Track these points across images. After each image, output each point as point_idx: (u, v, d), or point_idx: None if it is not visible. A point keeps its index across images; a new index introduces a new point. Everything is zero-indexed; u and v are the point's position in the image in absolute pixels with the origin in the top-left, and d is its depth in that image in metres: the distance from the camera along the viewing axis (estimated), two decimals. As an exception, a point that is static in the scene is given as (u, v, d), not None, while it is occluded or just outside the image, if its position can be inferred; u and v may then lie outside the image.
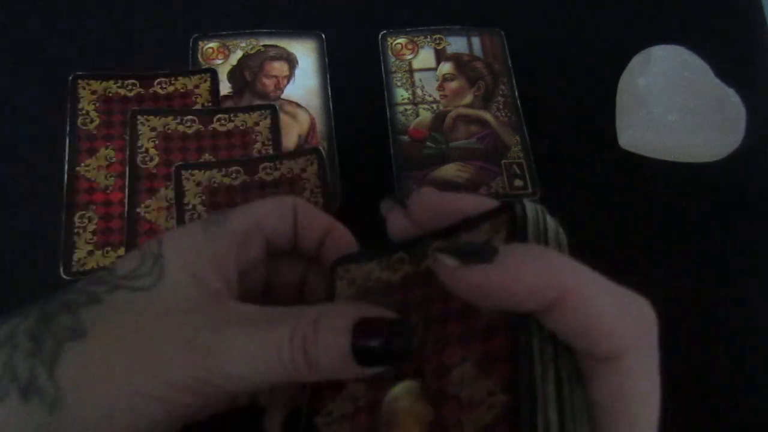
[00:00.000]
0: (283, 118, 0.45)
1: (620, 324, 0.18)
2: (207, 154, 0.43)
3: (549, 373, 0.18)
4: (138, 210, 0.41)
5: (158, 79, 0.45)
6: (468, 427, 0.18)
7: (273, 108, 0.45)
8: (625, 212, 0.44)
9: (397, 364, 0.21)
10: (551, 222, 0.21)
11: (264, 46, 0.48)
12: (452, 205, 0.23)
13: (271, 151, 0.43)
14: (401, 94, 0.47)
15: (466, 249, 0.19)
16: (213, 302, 0.24)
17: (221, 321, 0.23)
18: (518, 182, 0.44)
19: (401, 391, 0.21)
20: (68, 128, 0.43)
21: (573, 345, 0.18)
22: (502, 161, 0.45)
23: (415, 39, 0.49)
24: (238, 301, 0.25)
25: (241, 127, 0.44)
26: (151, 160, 0.42)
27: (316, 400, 0.23)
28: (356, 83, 0.48)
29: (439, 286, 0.20)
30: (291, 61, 0.48)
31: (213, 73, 0.46)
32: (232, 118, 0.44)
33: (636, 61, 0.48)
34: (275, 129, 0.44)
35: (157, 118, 0.43)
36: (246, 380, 0.22)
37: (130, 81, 0.45)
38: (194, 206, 0.40)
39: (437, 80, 0.48)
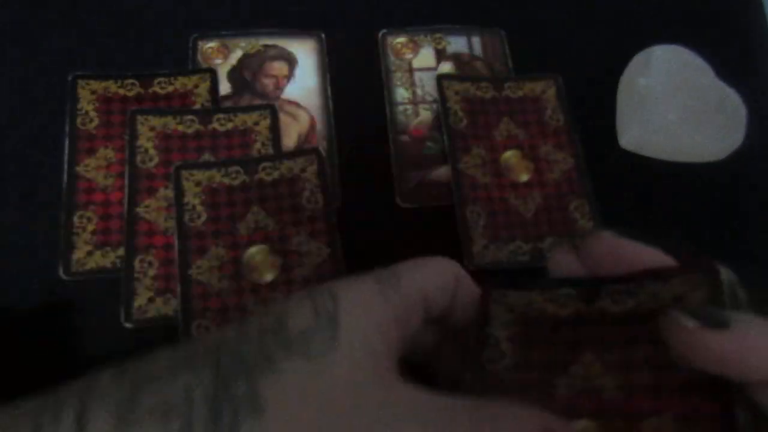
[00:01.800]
0: (283, 118, 0.45)
1: None
2: (206, 154, 0.43)
3: None
4: (137, 210, 0.41)
5: (158, 79, 0.45)
6: None
7: (273, 108, 0.45)
8: (625, 212, 0.44)
9: None
10: (743, 293, 0.22)
11: (264, 45, 0.48)
12: (635, 254, 0.24)
13: (270, 151, 0.43)
14: (401, 93, 0.47)
15: (706, 313, 0.20)
16: (386, 383, 0.23)
17: (396, 409, 0.22)
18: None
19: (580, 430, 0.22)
20: (67, 128, 0.43)
21: None
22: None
23: (416, 38, 0.49)
24: (401, 378, 0.23)
25: (240, 127, 0.44)
26: (151, 160, 0.42)
27: None
28: (356, 83, 0.48)
29: (623, 332, 0.21)
30: (291, 61, 0.48)
31: (213, 73, 0.46)
32: (232, 118, 0.44)
33: (636, 61, 0.48)
34: (275, 129, 0.44)
35: (157, 117, 0.43)
36: None
37: (130, 81, 0.45)
38: (194, 206, 0.40)
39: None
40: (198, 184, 0.41)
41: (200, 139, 0.43)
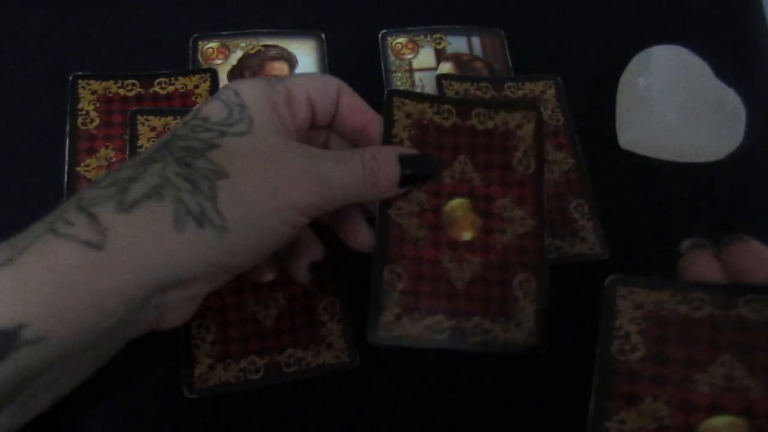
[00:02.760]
0: (283, 118, 0.45)
1: None
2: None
3: None
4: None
5: (158, 79, 0.45)
6: None
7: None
8: (624, 212, 0.44)
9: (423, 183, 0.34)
10: None
11: (264, 46, 0.48)
12: None
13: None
14: (401, 94, 0.47)
15: None
16: (296, 143, 0.31)
17: (315, 156, 0.30)
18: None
19: (724, 424, 0.23)
20: (68, 128, 0.43)
21: None
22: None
23: (416, 38, 0.49)
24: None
25: None
26: None
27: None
28: (356, 83, 0.47)
29: (764, 337, 0.23)
30: (291, 61, 0.48)
31: (213, 73, 0.46)
32: (232, 118, 0.44)
33: (636, 61, 0.48)
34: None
35: (157, 118, 0.43)
36: (341, 200, 0.31)
37: (130, 81, 0.45)
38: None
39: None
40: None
41: (200, 139, 0.43)
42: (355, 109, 0.35)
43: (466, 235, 0.36)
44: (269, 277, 0.39)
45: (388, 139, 0.35)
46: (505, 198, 0.37)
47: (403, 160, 0.33)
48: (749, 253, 0.26)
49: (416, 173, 0.34)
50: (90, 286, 0.25)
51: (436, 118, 0.37)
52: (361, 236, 0.35)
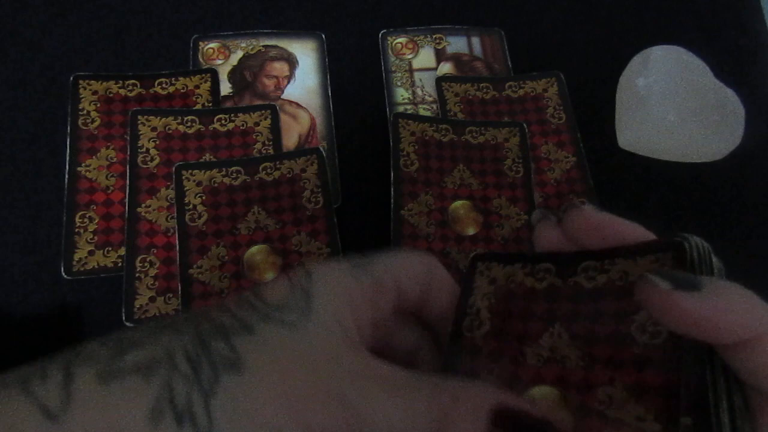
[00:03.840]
0: (284, 118, 0.45)
1: None
2: (207, 154, 0.43)
3: (723, 403, 0.19)
4: (138, 210, 0.41)
5: (159, 80, 0.45)
6: None
7: (273, 108, 0.45)
8: (625, 212, 0.44)
9: None
10: (717, 263, 0.22)
11: (264, 46, 0.48)
12: (614, 228, 0.24)
13: (271, 151, 0.44)
14: (401, 93, 0.47)
15: (678, 277, 0.20)
16: (356, 353, 0.24)
17: (366, 378, 0.23)
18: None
19: (540, 395, 0.23)
20: (69, 128, 0.43)
21: (752, 382, 0.19)
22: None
23: (416, 38, 0.49)
24: (372, 354, 0.24)
25: (241, 127, 0.44)
26: (152, 160, 0.42)
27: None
28: (356, 83, 0.48)
29: (590, 306, 0.22)
30: (291, 61, 0.48)
31: (213, 74, 0.46)
32: (233, 118, 0.44)
33: (635, 62, 0.48)
34: (275, 129, 0.44)
35: (158, 118, 0.43)
36: None
37: (131, 81, 0.45)
38: (195, 206, 0.40)
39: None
40: (199, 183, 0.41)
41: (201, 139, 0.43)
42: (446, 288, 0.28)
43: (470, 230, 0.41)
44: (269, 276, 0.39)
45: (396, 154, 0.35)
46: (500, 198, 0.42)
47: (499, 417, 0.22)
48: (582, 219, 0.25)
49: None
50: None
51: (436, 135, 0.44)
52: None
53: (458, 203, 0.42)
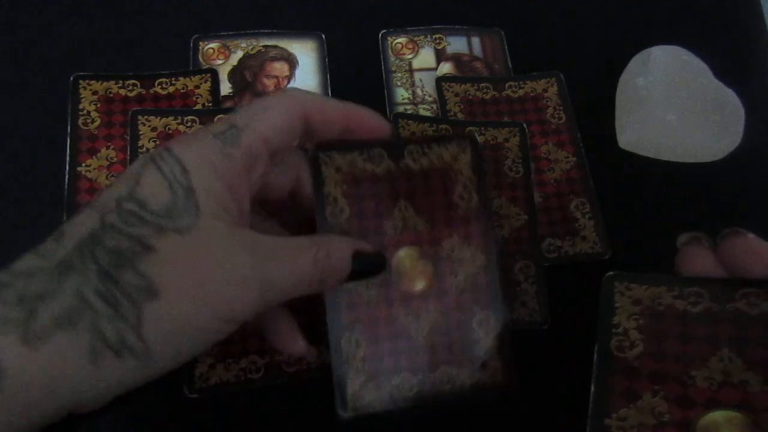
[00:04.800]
0: (284, 118, 0.45)
1: None
2: None
3: None
4: (139, 210, 0.41)
5: (159, 80, 0.45)
6: None
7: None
8: (625, 212, 0.44)
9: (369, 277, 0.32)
10: None
11: (264, 46, 0.48)
12: None
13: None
14: (401, 93, 0.47)
15: None
16: (244, 235, 0.27)
17: (261, 255, 0.27)
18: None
19: (722, 419, 0.23)
20: (69, 128, 0.43)
21: None
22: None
23: (416, 38, 0.49)
24: (254, 231, 0.28)
25: None
26: None
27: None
28: (356, 83, 0.48)
29: (759, 331, 0.24)
30: (291, 62, 0.48)
31: (214, 74, 0.46)
32: (233, 118, 0.44)
33: (635, 61, 0.48)
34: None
35: (158, 118, 0.43)
36: (279, 301, 0.29)
37: (131, 81, 0.45)
38: None
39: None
40: None
41: (201, 139, 0.43)
42: (329, 116, 0.31)
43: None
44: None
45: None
46: (500, 198, 0.39)
47: (357, 257, 0.30)
48: (746, 247, 0.26)
49: (366, 270, 0.31)
50: None
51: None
52: (296, 344, 0.33)
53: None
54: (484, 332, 0.34)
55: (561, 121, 0.46)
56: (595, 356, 0.26)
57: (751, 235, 0.26)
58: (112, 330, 0.23)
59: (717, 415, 0.23)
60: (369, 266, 0.31)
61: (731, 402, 0.23)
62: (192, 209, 0.25)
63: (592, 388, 0.25)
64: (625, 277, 0.27)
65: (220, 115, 0.44)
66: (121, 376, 0.24)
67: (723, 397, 0.23)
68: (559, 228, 0.43)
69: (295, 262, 0.28)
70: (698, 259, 0.27)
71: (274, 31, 0.49)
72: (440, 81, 0.47)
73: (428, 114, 0.46)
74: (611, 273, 0.27)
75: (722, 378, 0.24)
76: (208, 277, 0.25)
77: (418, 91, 0.47)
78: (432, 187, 0.34)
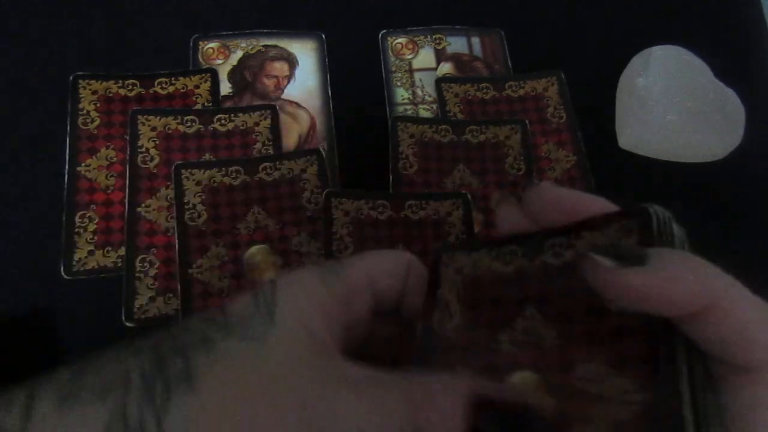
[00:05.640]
0: (284, 118, 0.45)
1: (765, 338, 0.18)
2: (207, 154, 0.43)
3: (684, 375, 0.18)
4: (138, 210, 0.41)
5: (159, 79, 0.45)
6: (600, 421, 0.19)
7: (273, 108, 0.45)
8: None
9: None
10: (678, 230, 0.21)
11: (264, 46, 0.48)
12: (573, 203, 0.23)
13: (271, 151, 0.43)
14: (401, 93, 0.47)
15: (622, 251, 0.19)
16: (325, 357, 0.22)
17: (334, 381, 0.21)
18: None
19: (519, 381, 0.21)
20: (69, 128, 0.43)
21: (711, 352, 0.19)
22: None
23: (415, 39, 0.49)
24: (341, 357, 0.23)
25: (241, 127, 0.44)
26: (152, 159, 0.42)
27: None
28: (356, 83, 0.48)
29: (560, 283, 0.21)
30: (291, 61, 0.48)
31: (213, 73, 0.46)
32: (233, 118, 0.44)
33: (635, 62, 0.48)
34: (275, 129, 0.44)
35: (158, 118, 0.43)
36: None
37: (131, 81, 0.45)
38: (194, 205, 0.40)
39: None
40: (198, 183, 0.41)
41: (201, 139, 0.43)
42: (422, 286, 0.27)
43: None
44: (269, 276, 0.39)
45: (395, 156, 0.32)
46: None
47: (480, 409, 0.20)
48: (541, 196, 0.24)
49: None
50: None
51: (436, 136, 0.39)
52: None
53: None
54: None
55: (561, 120, 0.46)
56: (418, 335, 0.24)
57: (545, 183, 0.24)
58: (136, 410, 0.21)
59: (513, 379, 0.21)
60: (503, 426, 0.21)
61: (527, 362, 0.21)
62: (267, 320, 0.23)
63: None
64: (449, 248, 0.25)
65: (219, 115, 0.44)
66: None
67: (522, 358, 0.22)
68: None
69: (378, 397, 0.21)
70: (509, 216, 0.25)
71: (274, 31, 0.49)
72: (440, 82, 0.47)
73: (428, 114, 0.46)
74: (440, 244, 0.26)
75: (523, 338, 0.22)
76: (254, 388, 0.21)
77: (418, 92, 0.47)
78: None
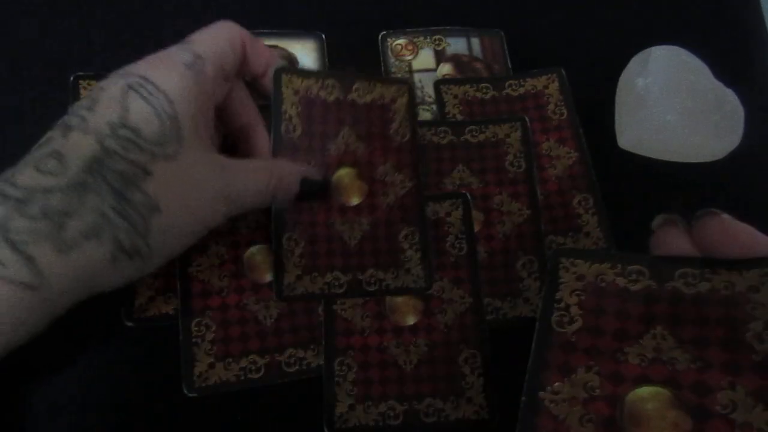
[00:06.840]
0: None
1: None
2: None
3: None
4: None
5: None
6: None
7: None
8: (625, 213, 0.44)
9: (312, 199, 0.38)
10: None
11: (264, 46, 0.48)
12: (748, 238, 0.25)
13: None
14: (401, 94, 0.47)
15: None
16: (212, 157, 0.33)
17: (228, 177, 0.33)
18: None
19: (649, 394, 0.24)
20: (68, 128, 0.43)
21: None
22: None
23: (415, 40, 0.49)
24: (220, 154, 0.34)
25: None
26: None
27: None
28: (356, 83, 0.48)
29: (695, 311, 0.24)
30: (291, 62, 0.48)
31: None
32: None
33: (635, 61, 0.48)
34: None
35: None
36: (248, 208, 0.36)
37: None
38: None
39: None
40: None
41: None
42: (259, 52, 0.38)
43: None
44: (267, 278, 0.39)
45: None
46: (501, 195, 0.42)
47: (304, 182, 0.37)
48: (721, 228, 0.25)
49: (310, 192, 0.38)
50: (25, 319, 0.28)
51: (435, 139, 0.43)
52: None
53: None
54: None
55: (562, 117, 0.46)
56: (536, 330, 0.26)
57: (725, 216, 0.26)
58: (128, 240, 0.29)
59: (643, 391, 0.24)
60: (313, 188, 0.38)
61: (659, 378, 0.24)
62: (176, 139, 0.31)
63: (530, 362, 0.25)
64: (571, 253, 0.27)
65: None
66: (131, 272, 0.31)
67: (652, 373, 0.24)
68: (561, 225, 0.42)
69: (255, 182, 0.35)
70: (673, 240, 0.27)
71: (274, 31, 0.49)
72: (439, 84, 0.47)
73: (428, 114, 0.46)
74: (557, 248, 0.28)
75: (653, 355, 0.24)
76: (193, 195, 0.32)
77: (418, 92, 0.47)
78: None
